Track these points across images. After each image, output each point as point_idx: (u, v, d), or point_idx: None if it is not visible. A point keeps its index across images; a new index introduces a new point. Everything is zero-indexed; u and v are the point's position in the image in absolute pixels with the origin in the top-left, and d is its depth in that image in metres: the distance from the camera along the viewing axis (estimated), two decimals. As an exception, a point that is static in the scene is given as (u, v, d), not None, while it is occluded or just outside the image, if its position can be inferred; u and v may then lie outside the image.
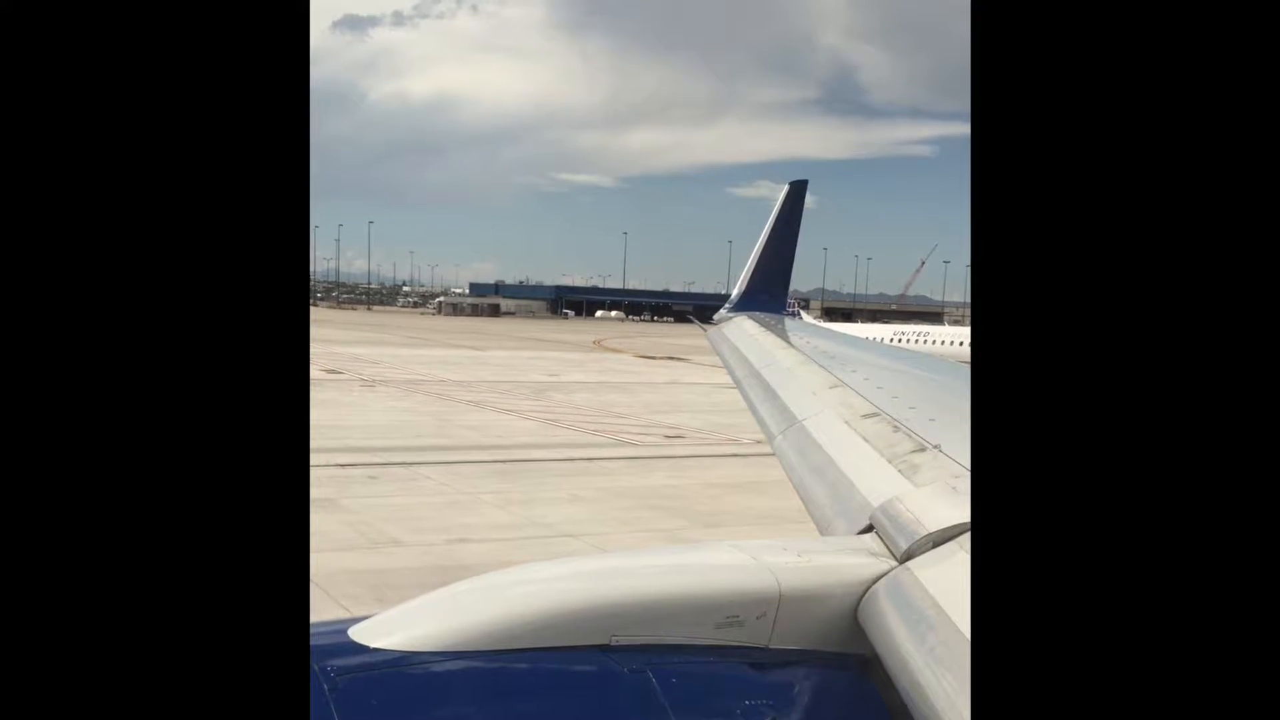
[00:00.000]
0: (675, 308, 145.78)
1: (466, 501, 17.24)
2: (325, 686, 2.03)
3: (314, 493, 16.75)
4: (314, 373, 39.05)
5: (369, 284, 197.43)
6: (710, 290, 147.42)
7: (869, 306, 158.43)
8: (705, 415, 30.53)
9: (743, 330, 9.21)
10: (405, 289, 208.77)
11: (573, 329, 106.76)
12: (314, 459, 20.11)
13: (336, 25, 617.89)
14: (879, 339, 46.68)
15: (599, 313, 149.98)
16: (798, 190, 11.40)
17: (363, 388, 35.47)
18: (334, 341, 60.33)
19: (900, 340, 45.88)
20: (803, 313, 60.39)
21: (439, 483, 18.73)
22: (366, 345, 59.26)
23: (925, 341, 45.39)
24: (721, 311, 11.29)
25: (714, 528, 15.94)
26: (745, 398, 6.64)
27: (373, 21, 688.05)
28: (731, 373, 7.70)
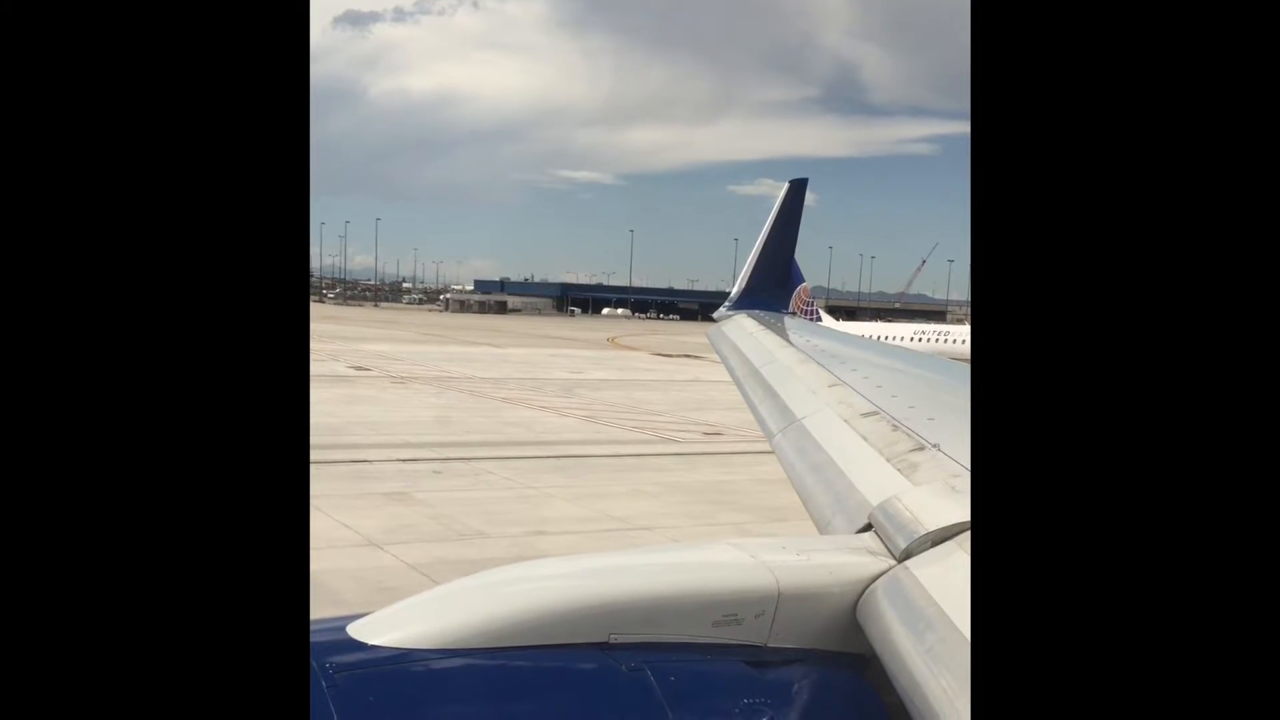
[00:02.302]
0: (681, 305, 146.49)
1: (535, 496, 17.76)
2: (324, 683, 2.03)
3: (387, 486, 17.48)
4: (343, 369, 39.72)
5: (376, 281, 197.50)
6: (715, 288, 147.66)
7: (871, 305, 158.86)
8: (736, 413, 30.92)
9: (742, 328, 9.22)
10: (405, 285, 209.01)
11: (583, 326, 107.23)
12: (376, 454, 20.75)
13: (338, 21, 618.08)
14: (899, 338, 47.19)
15: (605, 310, 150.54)
16: (798, 188, 11.33)
17: (395, 385, 35.92)
18: (353, 338, 60.87)
19: (920, 340, 46.34)
20: (823, 314, 60.50)
21: (502, 477, 19.24)
22: (385, 342, 59.72)
23: (946, 341, 45.85)
24: (721, 310, 11.34)
25: (780, 521, 16.44)
26: (744, 396, 6.68)
27: (374, 18, 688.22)
28: (731, 371, 7.72)
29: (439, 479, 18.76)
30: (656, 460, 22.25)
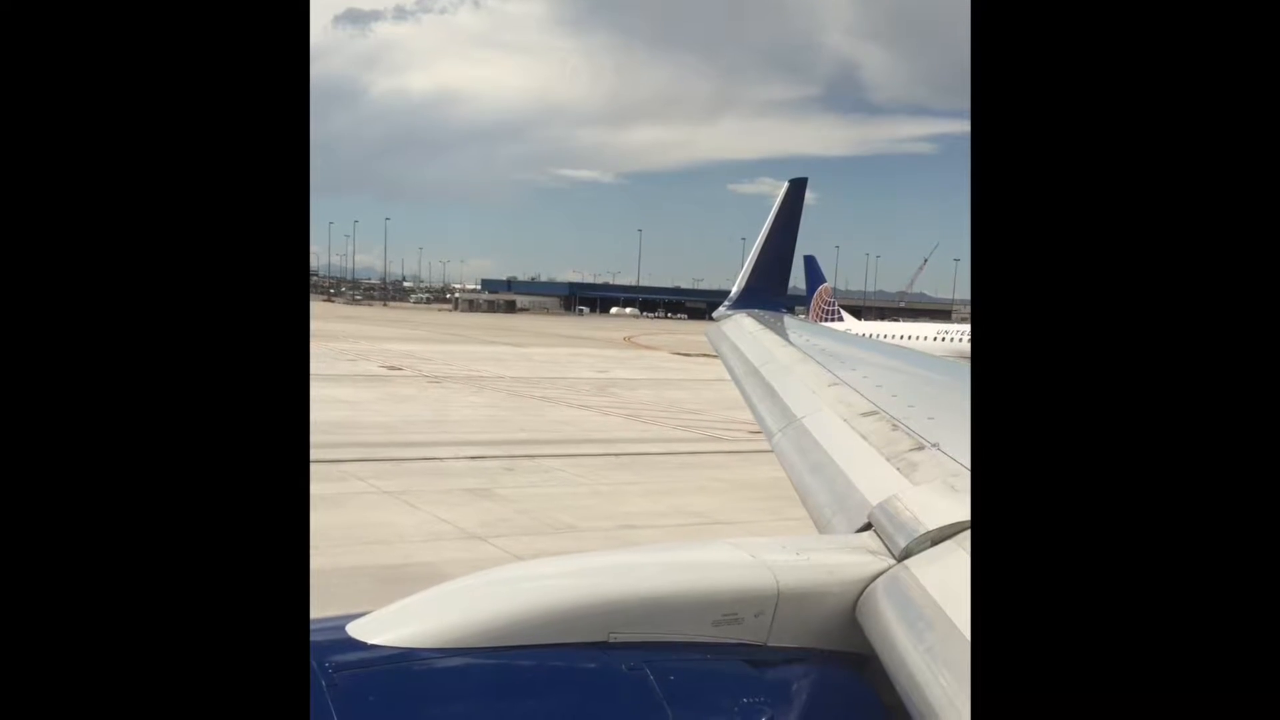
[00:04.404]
0: (689, 304, 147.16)
1: (609, 491, 18.42)
2: (323, 683, 2.04)
3: (466, 482, 18.14)
4: (376, 369, 40.40)
5: (385, 280, 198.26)
6: (720, 287, 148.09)
7: (875, 304, 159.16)
8: (773, 411, 31.55)
9: (742, 328, 9.30)
10: (407, 284, 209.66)
11: (595, 326, 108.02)
12: (444, 451, 21.41)
13: (338, 20, 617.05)
14: (922, 338, 47.77)
15: (614, 310, 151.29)
16: (797, 188, 11.42)
17: (432, 384, 36.54)
18: (374, 338, 61.59)
19: (944, 339, 46.91)
20: (845, 314, 60.90)
21: (571, 474, 19.88)
22: (408, 342, 60.35)
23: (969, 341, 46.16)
24: (721, 309, 11.46)
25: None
26: (744, 395, 6.72)
27: (374, 16, 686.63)
28: (730, 370, 7.77)
29: (512, 475, 19.39)
30: (712, 458, 22.88)
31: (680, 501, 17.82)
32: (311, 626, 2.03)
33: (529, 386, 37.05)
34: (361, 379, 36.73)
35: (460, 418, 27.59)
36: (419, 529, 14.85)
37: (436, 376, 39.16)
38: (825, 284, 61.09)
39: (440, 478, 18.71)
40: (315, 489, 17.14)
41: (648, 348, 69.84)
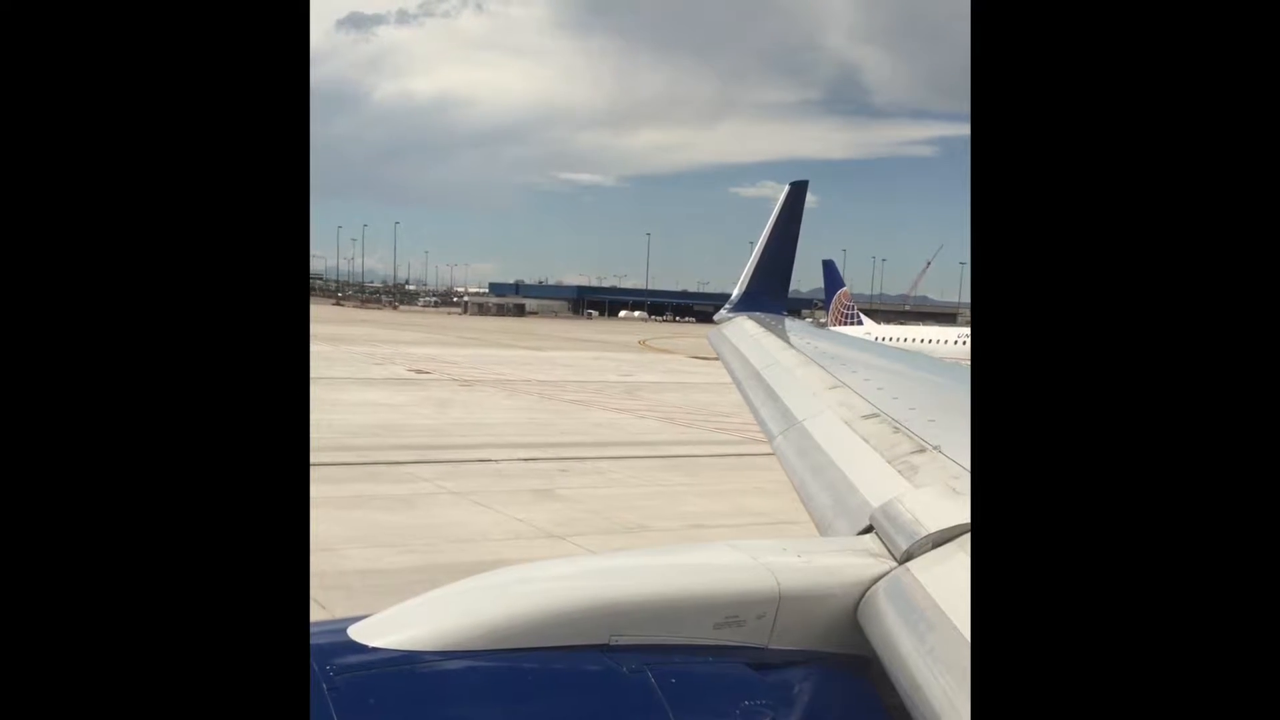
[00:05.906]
0: (697, 308, 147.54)
1: (668, 493, 18.85)
2: (324, 686, 2.04)
3: (528, 484, 18.64)
4: (404, 373, 40.89)
5: (393, 284, 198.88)
6: (727, 290, 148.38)
7: (880, 307, 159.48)
8: (804, 415, 31.93)
9: (743, 331, 9.36)
10: (410, 287, 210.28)
11: (607, 329, 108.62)
12: (496, 454, 21.92)
13: (341, 24, 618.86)
14: (943, 341, 48.15)
15: (622, 313, 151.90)
16: (798, 190, 11.46)
17: (463, 388, 36.98)
18: (395, 342, 62.07)
19: (965, 344, 47.22)
20: (865, 318, 61.25)
21: (627, 475, 20.33)
22: (430, 346, 60.85)
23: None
24: (722, 312, 11.51)
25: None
26: (745, 398, 6.75)
27: (377, 20, 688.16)
28: (732, 373, 7.82)
29: (570, 477, 19.85)
30: (757, 460, 23.13)
31: (740, 503, 18.24)
32: (312, 629, 2.05)
33: (558, 390, 37.48)
34: (394, 382, 37.21)
35: (501, 420, 28.02)
36: (497, 528, 15.30)
37: (466, 380, 39.61)
38: (844, 288, 61.51)
39: (501, 479, 19.15)
40: (387, 489, 17.46)
41: (665, 351, 70.24)
